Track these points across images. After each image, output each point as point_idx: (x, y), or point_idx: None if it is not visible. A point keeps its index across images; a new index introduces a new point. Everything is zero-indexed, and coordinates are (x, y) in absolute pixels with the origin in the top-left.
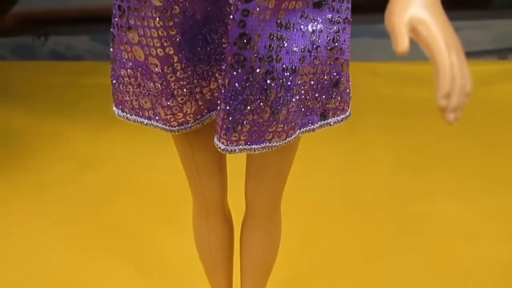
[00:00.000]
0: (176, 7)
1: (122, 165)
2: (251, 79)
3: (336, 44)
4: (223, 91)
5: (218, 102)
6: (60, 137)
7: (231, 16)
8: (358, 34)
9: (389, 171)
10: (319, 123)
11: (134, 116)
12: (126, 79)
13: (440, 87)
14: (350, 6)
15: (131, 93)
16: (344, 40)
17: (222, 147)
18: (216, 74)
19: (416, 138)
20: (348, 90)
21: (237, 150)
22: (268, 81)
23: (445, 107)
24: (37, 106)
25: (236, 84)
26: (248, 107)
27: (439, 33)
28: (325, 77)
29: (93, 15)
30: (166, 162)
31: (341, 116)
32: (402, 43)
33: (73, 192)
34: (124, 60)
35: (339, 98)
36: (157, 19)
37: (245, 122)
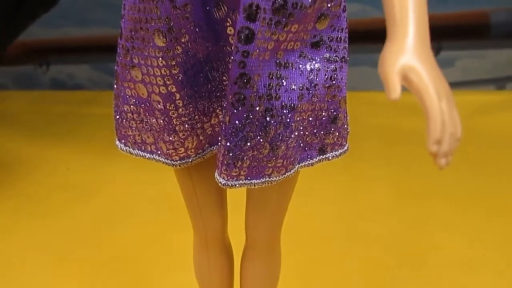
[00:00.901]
0: (178, 47)
1: (122, 194)
2: (251, 116)
3: (334, 82)
4: (223, 128)
5: (219, 137)
6: (60, 166)
7: (232, 57)
8: (357, 64)
9: (389, 202)
10: (317, 158)
11: (137, 151)
12: (129, 114)
13: (431, 133)
14: (347, 46)
15: (134, 128)
16: (342, 78)
17: (223, 182)
18: (217, 110)
19: (415, 168)
20: (346, 126)
21: (237, 185)
22: (268, 118)
23: (436, 152)
24: (38, 135)
25: (237, 122)
26: (248, 144)
27: (430, 81)
28: (323, 113)
29: (93, 45)
30: (167, 192)
31: (339, 151)
32: (395, 91)
33: (73, 221)
34: (127, 96)
35: (337, 134)
36: (160, 58)
37: (245, 158)
